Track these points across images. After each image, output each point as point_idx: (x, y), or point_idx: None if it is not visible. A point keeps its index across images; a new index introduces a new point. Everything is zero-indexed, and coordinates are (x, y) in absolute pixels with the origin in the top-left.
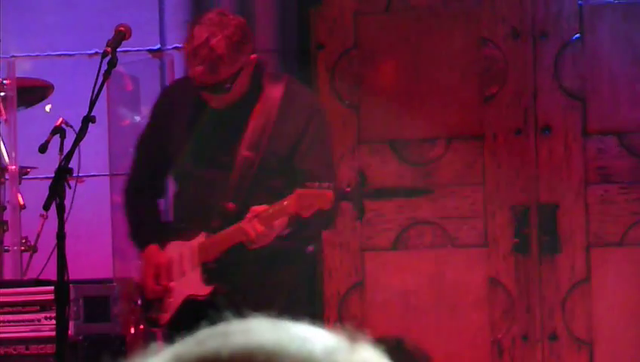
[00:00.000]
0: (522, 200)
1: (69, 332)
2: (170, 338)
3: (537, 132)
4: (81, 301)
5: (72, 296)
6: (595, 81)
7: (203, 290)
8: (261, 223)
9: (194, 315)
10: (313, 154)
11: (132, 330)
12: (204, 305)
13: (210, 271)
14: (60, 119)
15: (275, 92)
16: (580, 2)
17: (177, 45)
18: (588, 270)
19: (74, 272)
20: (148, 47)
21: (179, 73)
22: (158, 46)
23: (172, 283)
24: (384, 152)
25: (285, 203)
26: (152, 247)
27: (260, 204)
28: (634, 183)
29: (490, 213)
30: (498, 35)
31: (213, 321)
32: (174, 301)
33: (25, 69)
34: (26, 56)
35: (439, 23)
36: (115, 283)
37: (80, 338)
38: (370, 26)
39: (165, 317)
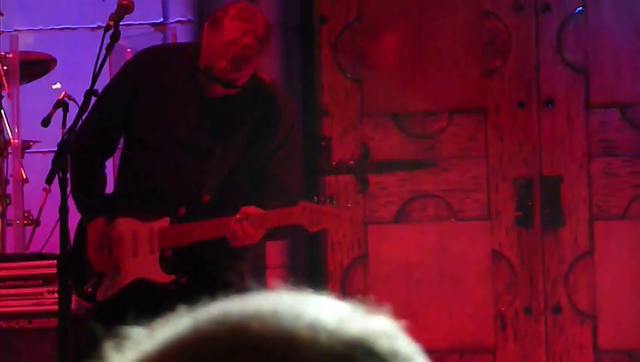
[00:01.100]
0: (525, 173)
1: (72, 305)
2: (103, 316)
3: (540, 105)
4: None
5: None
6: (598, 54)
7: (161, 278)
8: (252, 226)
9: (144, 300)
10: (288, 165)
11: None
12: (160, 293)
13: (169, 259)
14: (63, 93)
15: (265, 92)
16: None
17: (180, 19)
18: (591, 243)
19: None
20: (151, 21)
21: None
22: (161, 20)
23: (122, 260)
24: (387, 126)
25: (288, 212)
26: (101, 220)
27: (227, 201)
28: (636, 156)
29: (493, 186)
30: (501, 8)
31: (175, 310)
32: (121, 280)
33: (28, 42)
34: (28, 30)
35: None
36: None
37: (82, 311)
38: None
39: (108, 292)
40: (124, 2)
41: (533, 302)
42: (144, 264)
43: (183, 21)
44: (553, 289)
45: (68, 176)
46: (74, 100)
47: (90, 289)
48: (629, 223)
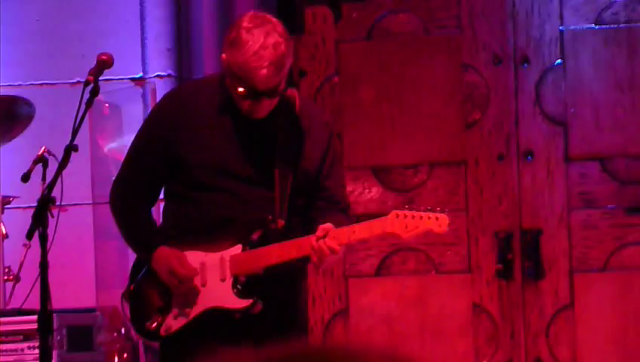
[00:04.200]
0: (505, 225)
1: (53, 361)
2: (171, 351)
3: (520, 157)
4: (64, 330)
5: (55, 325)
6: (577, 106)
7: (236, 304)
8: (334, 241)
9: (217, 328)
10: (334, 174)
11: (116, 359)
12: (235, 320)
13: (243, 284)
14: (43, 148)
15: (297, 106)
16: (561, 28)
17: (160, 73)
18: (572, 295)
19: (57, 301)
20: (130, 76)
21: None
22: (141, 74)
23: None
24: (367, 178)
25: (378, 222)
26: (162, 248)
27: (290, 222)
28: (616, 208)
29: (473, 239)
30: (480, 62)
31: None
32: (190, 311)
33: None
34: (7, 85)
35: (421, 49)
36: (98, 313)
37: None
38: (352, 54)
39: (174, 326)
40: (104, 57)
41: (514, 354)
42: (215, 292)
43: (163, 75)
44: (534, 341)
45: (47, 231)
46: (54, 155)
47: (154, 326)
48: (609, 275)
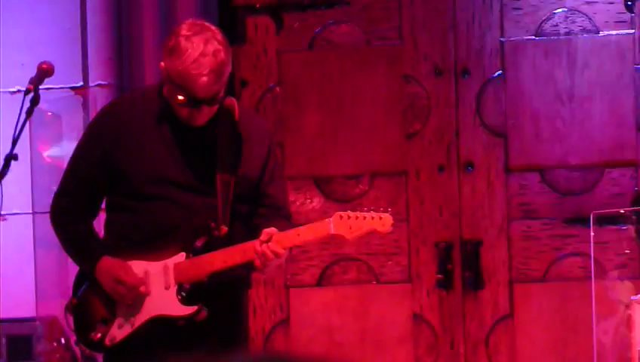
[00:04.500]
0: (446, 236)
1: None
2: (118, 360)
3: (460, 168)
4: (3, 339)
5: None
6: (517, 117)
7: (181, 311)
8: (278, 245)
9: (162, 337)
10: (275, 180)
11: None
12: (179, 328)
13: (187, 291)
14: None
15: (232, 110)
16: (501, 39)
17: (100, 82)
18: (511, 305)
19: None
20: (71, 85)
21: None
22: (81, 83)
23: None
24: (309, 189)
25: (320, 225)
26: (105, 259)
27: (233, 229)
28: (556, 219)
29: (414, 249)
30: (421, 73)
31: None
32: (134, 321)
33: None
34: None
35: (362, 60)
36: (37, 322)
37: None
38: (293, 64)
39: (118, 336)
40: (44, 66)
41: None
42: (160, 300)
43: (103, 85)
44: (474, 351)
45: None
46: None
47: (98, 336)
48: (548, 286)
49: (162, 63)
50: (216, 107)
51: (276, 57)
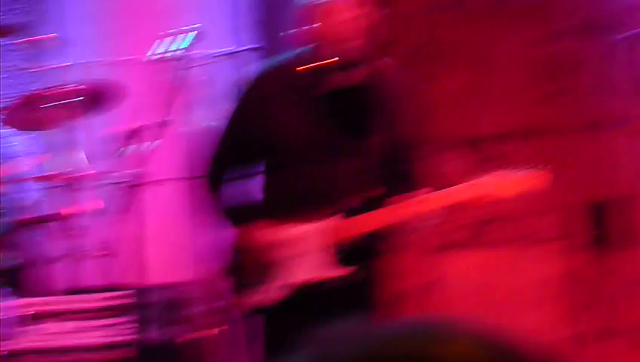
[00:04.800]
0: (600, 193)
1: (149, 335)
2: (276, 321)
3: (612, 126)
4: (162, 304)
5: (152, 299)
6: None
7: (338, 272)
8: (435, 205)
9: (319, 299)
10: (422, 141)
11: (212, 332)
12: (335, 290)
13: (344, 253)
14: (136, 125)
15: (383, 70)
16: None
17: (251, 46)
18: None
19: (153, 276)
20: (222, 50)
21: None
22: (233, 48)
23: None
24: (458, 148)
25: (477, 184)
26: (263, 223)
27: (388, 190)
28: None
29: (567, 207)
30: (569, 30)
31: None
32: (293, 282)
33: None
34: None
35: (510, 18)
36: (194, 286)
37: (160, 341)
38: (442, 24)
39: (276, 297)
40: (196, 32)
41: (610, 321)
42: (317, 262)
43: (255, 49)
44: (631, 308)
45: (143, 206)
46: (147, 131)
47: (257, 298)
48: None
49: (313, 27)
50: (367, 68)
51: (425, 17)
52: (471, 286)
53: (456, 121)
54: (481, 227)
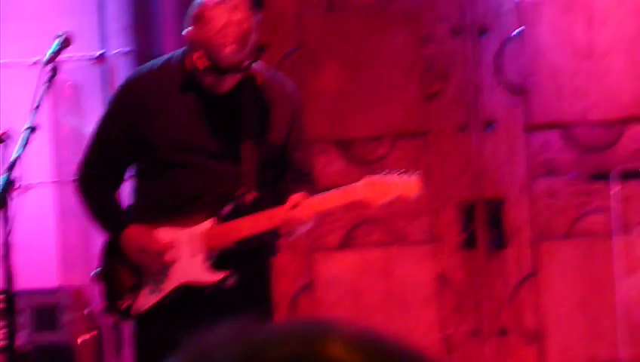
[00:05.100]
0: (468, 196)
1: (18, 341)
2: (147, 327)
3: (481, 128)
4: (28, 310)
5: (20, 305)
6: (537, 74)
7: (210, 278)
8: (307, 211)
9: (190, 304)
10: (301, 145)
11: (82, 338)
12: (207, 295)
13: (215, 258)
14: (3, 129)
15: (256, 75)
16: None
17: (119, 50)
18: (535, 264)
19: (21, 282)
20: (90, 54)
21: (121, 78)
22: (100, 52)
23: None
24: (330, 152)
25: (349, 189)
26: (133, 227)
27: (260, 195)
28: (578, 175)
29: (436, 210)
30: (439, 33)
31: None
32: (163, 287)
33: None
34: None
35: (381, 22)
36: (62, 292)
37: (29, 347)
38: (312, 27)
39: (147, 304)
40: (63, 36)
41: (479, 324)
42: (188, 268)
43: (123, 53)
44: (499, 310)
45: (9, 212)
46: (13, 136)
47: (126, 305)
48: (572, 243)
49: (187, 31)
50: (240, 74)
51: (295, 20)
52: (343, 289)
53: (328, 124)
54: (353, 230)
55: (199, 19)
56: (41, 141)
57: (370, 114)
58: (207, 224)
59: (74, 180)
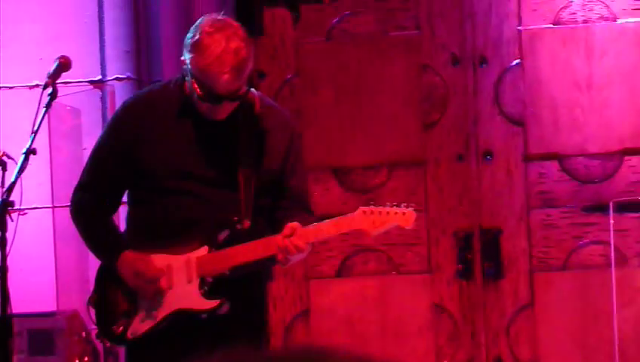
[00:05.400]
0: (465, 225)
1: None
2: (140, 353)
3: (479, 157)
4: (25, 334)
5: (15, 329)
6: (535, 105)
7: (204, 305)
8: (302, 239)
9: (184, 331)
10: (297, 172)
11: None
12: (201, 322)
13: (209, 285)
14: (2, 152)
15: (253, 103)
16: (519, 27)
17: (119, 76)
18: (532, 294)
19: (17, 306)
20: (89, 78)
21: (119, 103)
22: (99, 77)
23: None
24: (327, 179)
25: (347, 219)
26: (128, 253)
27: (256, 222)
28: (575, 207)
29: (433, 239)
30: (438, 62)
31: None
32: (157, 314)
33: None
34: None
35: (380, 50)
36: (58, 316)
37: None
38: (311, 55)
39: (140, 329)
40: (62, 60)
41: (475, 354)
42: (182, 294)
43: (122, 78)
44: (495, 340)
45: (6, 235)
46: (12, 159)
47: (120, 330)
48: (568, 274)
49: (184, 59)
50: (237, 102)
51: (294, 49)
52: (339, 317)
53: (326, 152)
54: (350, 258)
55: (196, 46)
56: (40, 165)
57: (368, 142)
58: (202, 251)
59: (69, 206)
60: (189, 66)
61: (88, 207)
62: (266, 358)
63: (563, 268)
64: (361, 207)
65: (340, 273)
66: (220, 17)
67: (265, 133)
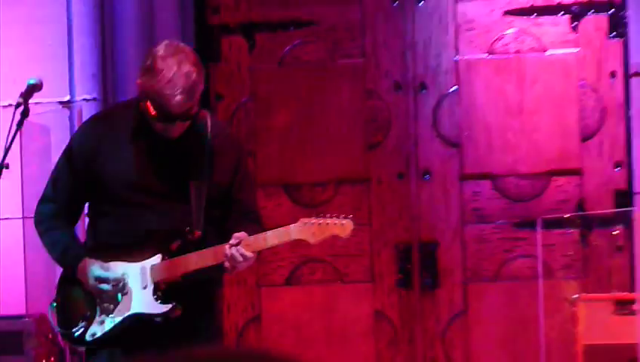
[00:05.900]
0: (405, 239)
1: None
2: (98, 354)
3: (418, 176)
4: None
5: None
6: (471, 129)
7: (158, 309)
8: (248, 248)
9: (139, 333)
10: (245, 186)
11: None
12: (156, 325)
13: (163, 291)
14: None
15: (204, 123)
16: (455, 58)
17: (86, 97)
18: (465, 303)
19: None
20: (58, 99)
21: None
22: (68, 98)
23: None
24: (279, 195)
25: (287, 229)
26: (88, 261)
27: (206, 232)
28: (506, 223)
29: (376, 251)
30: (382, 88)
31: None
32: (114, 317)
33: None
34: None
35: (328, 76)
36: (27, 319)
37: None
38: (264, 80)
39: (99, 331)
40: (34, 81)
41: (412, 358)
42: (138, 299)
43: (89, 99)
44: (431, 346)
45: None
46: None
47: (79, 332)
48: (499, 285)
49: (139, 81)
50: (189, 122)
51: (249, 73)
52: (288, 323)
53: (277, 170)
54: (298, 268)
55: (151, 69)
56: (12, 179)
57: (317, 161)
58: (156, 259)
59: (34, 216)
60: (144, 88)
61: (50, 217)
62: (214, 355)
63: (494, 279)
64: (302, 219)
65: (289, 281)
66: (173, 42)
67: (215, 150)
